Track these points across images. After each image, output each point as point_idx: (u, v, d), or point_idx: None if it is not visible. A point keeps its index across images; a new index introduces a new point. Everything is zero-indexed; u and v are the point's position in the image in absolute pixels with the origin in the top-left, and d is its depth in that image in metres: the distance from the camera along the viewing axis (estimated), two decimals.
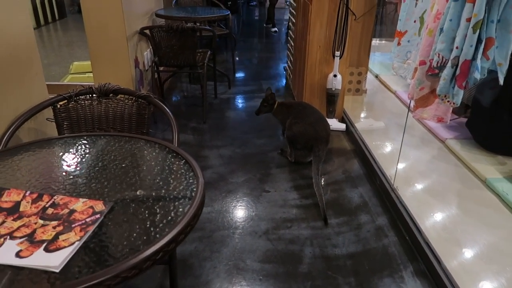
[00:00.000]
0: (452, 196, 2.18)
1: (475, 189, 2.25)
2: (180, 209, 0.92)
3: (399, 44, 2.03)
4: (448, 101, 1.55)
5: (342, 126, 3.08)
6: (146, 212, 0.91)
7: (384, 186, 2.30)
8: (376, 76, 4.04)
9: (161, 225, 0.87)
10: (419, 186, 2.29)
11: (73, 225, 0.85)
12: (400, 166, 2.45)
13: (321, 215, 2.11)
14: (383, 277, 1.75)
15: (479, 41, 1.42)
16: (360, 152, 2.75)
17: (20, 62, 1.54)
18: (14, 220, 0.87)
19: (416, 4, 2.03)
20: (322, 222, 2.09)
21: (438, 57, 1.52)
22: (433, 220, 1.99)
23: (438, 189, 2.25)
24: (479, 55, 1.42)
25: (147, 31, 3.01)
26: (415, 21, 1.97)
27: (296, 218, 2.12)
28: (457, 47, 1.45)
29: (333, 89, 2.96)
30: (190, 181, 1.03)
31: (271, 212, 2.16)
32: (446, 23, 1.48)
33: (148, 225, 0.87)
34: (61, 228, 0.85)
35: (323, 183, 2.44)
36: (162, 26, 2.92)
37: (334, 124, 3.07)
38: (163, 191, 0.99)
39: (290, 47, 4.07)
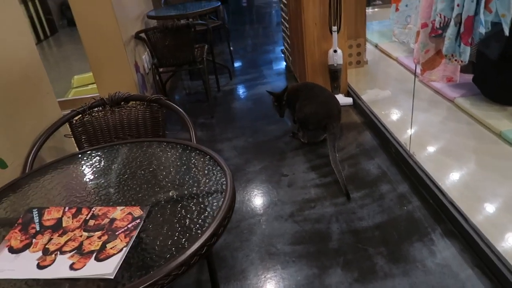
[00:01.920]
0: (469, 154, 2.20)
1: (491, 144, 2.26)
2: (215, 204, 0.95)
3: (397, 10, 2.03)
4: (455, 60, 1.56)
5: (349, 101, 3.09)
6: (183, 211, 0.95)
7: (401, 154, 2.31)
8: (376, 46, 4.02)
9: (200, 221, 0.90)
10: (435, 149, 2.30)
11: (117, 233, 0.89)
12: (413, 131, 2.46)
13: (343, 191, 2.14)
14: (413, 242, 1.78)
15: None
16: (371, 123, 2.76)
17: (31, 83, 1.57)
18: (60, 236, 0.91)
19: None
20: (344, 197, 2.12)
21: (440, 17, 1.52)
22: (454, 180, 2.01)
23: (454, 149, 2.26)
24: (481, 9, 1.42)
25: (143, 35, 3.01)
26: None
27: (318, 197, 2.15)
28: (458, 5, 1.44)
29: (335, 64, 2.96)
30: (218, 175, 1.06)
31: (292, 195, 2.20)
32: None
33: (187, 223, 0.90)
34: (106, 237, 0.88)
35: (339, 159, 2.46)
36: (157, 27, 2.93)
37: (341, 99, 3.07)
38: (194, 188, 1.02)
39: (285, 29, 4.05)
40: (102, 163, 1.21)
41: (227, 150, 2.74)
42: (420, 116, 2.65)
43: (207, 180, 1.05)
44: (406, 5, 1.95)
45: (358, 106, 3.01)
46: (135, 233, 0.88)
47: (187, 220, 0.91)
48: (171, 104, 1.57)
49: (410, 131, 2.36)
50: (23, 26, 1.58)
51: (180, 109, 1.54)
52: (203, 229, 0.88)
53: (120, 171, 1.15)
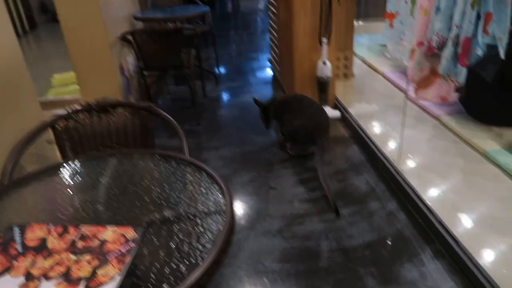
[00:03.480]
0: (456, 173, 2.21)
1: (477, 163, 2.28)
2: (215, 227, 0.89)
3: (391, 26, 2.02)
4: (451, 80, 1.55)
5: (337, 114, 3.07)
6: (180, 234, 0.88)
7: (389, 170, 2.30)
8: (363, 60, 4.04)
9: (199, 246, 0.84)
10: (422, 167, 2.30)
11: (108, 258, 0.81)
12: (399, 148, 2.45)
13: (331, 207, 2.10)
14: (403, 262, 1.75)
15: (478, 17, 1.41)
16: (359, 138, 2.75)
17: (12, 84, 1.47)
18: (45, 258, 0.83)
19: None
20: (333, 214, 2.08)
21: (438, 36, 1.52)
22: (441, 199, 2.00)
23: (441, 167, 2.27)
24: (480, 31, 1.42)
25: (129, 36, 2.92)
26: (406, 2, 1.96)
27: (306, 213, 2.11)
28: (456, 26, 1.44)
29: (324, 77, 2.95)
30: (217, 194, 1.00)
31: (281, 210, 2.14)
32: (443, 1, 1.47)
33: (186, 249, 0.84)
34: (96, 262, 0.81)
35: (327, 174, 2.43)
36: (144, 29, 2.84)
37: (328, 112, 3.04)
38: (191, 208, 0.96)
39: (273, 38, 4.02)
40: (90, 176, 1.13)
41: (213, 160, 2.67)
42: (406, 132, 2.65)
43: (204, 199, 0.98)
44: (401, 22, 1.94)
45: (345, 119, 3.00)
46: (128, 259, 0.81)
47: (185, 245, 0.85)
48: (162, 113, 1.50)
49: (399, 148, 2.35)
50: (4, 21, 1.48)
51: (171, 119, 1.47)
52: (204, 255, 0.81)
53: (109, 186, 1.07)
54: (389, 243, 1.87)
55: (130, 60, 3.17)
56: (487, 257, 1.62)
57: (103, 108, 1.53)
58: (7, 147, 1.36)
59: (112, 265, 0.79)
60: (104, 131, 1.52)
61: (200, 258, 0.81)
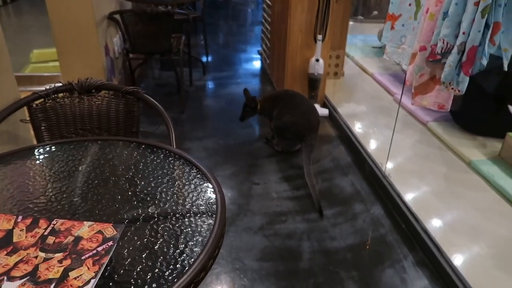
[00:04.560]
0: (441, 181, 2.19)
1: (461, 172, 2.26)
2: (204, 229, 0.81)
3: (392, 28, 1.96)
4: (452, 88, 1.51)
5: (325, 112, 3.02)
6: (165, 234, 0.79)
7: (375, 173, 2.26)
8: (353, 60, 4.00)
9: (187, 249, 0.75)
10: (407, 172, 2.27)
11: (83, 257, 0.72)
12: (387, 151, 2.42)
13: (315, 207, 2.05)
14: (384, 268, 1.72)
15: (486, 26, 1.37)
16: (346, 138, 2.70)
17: None
18: (9, 254, 0.72)
19: None
20: (317, 213, 2.03)
21: (443, 43, 1.47)
22: (426, 206, 1.98)
23: (426, 174, 2.24)
24: (487, 41, 1.37)
25: (117, 16, 2.77)
26: (410, 4, 1.90)
27: (290, 211, 2.05)
28: (463, 33, 1.39)
29: (316, 74, 2.88)
30: (207, 192, 0.91)
31: (264, 206, 2.07)
32: (452, 7, 1.42)
33: (171, 251, 0.75)
34: (68, 262, 0.71)
35: (313, 172, 2.37)
36: (134, 10, 2.70)
37: (318, 109, 2.99)
38: (179, 207, 0.87)
39: (265, 30, 3.93)
40: (68, 163, 1.02)
41: (196, 151, 2.57)
42: (394, 136, 2.62)
43: (194, 198, 0.90)
44: (403, 25, 1.89)
45: (334, 118, 2.95)
46: (106, 260, 0.72)
47: (171, 247, 0.76)
48: (150, 99, 1.40)
49: (386, 152, 2.31)
50: None
51: (160, 106, 1.37)
52: (191, 260, 0.73)
53: (89, 175, 0.97)
54: (372, 247, 1.83)
55: (116, 41, 3.02)
56: (467, 266, 1.60)
57: (86, 89, 1.41)
58: None
59: (87, 266, 0.70)
60: (85, 113, 1.41)
61: (186, 263, 0.72)
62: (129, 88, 1.40)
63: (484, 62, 1.41)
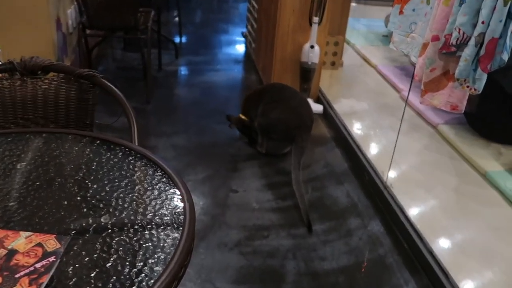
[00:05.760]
0: (452, 195, 2.24)
1: (476, 185, 2.32)
2: (168, 243, 0.80)
3: (401, 12, 1.99)
4: (467, 87, 1.54)
5: (320, 108, 3.05)
6: (120, 249, 0.78)
7: (374, 183, 2.29)
8: (354, 48, 4.05)
9: (146, 268, 0.75)
10: (413, 184, 2.31)
11: (17, 275, 0.71)
12: (389, 158, 2.45)
13: (303, 220, 2.07)
14: None
15: (509, 15, 1.40)
16: (343, 140, 2.73)
17: None
18: None
19: None
20: (305, 228, 2.05)
21: (458, 32, 1.49)
22: (432, 223, 2.01)
23: (435, 187, 2.29)
24: (509, 32, 1.40)
25: None
26: None
27: (273, 224, 2.06)
28: (483, 22, 1.42)
29: (309, 62, 2.91)
30: (174, 199, 0.91)
31: (242, 218, 2.09)
32: None
33: (126, 270, 0.74)
34: None
35: (303, 180, 2.39)
36: None
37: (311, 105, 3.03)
38: (139, 216, 0.86)
39: (251, 9, 3.94)
40: (3, 159, 1.00)
41: (163, 149, 2.56)
42: (398, 140, 2.65)
43: (157, 206, 0.89)
44: (413, 10, 1.91)
45: (329, 116, 2.98)
46: (45, 279, 0.70)
47: (127, 265, 0.75)
48: (109, 85, 1.39)
49: (389, 158, 2.35)
50: None
51: (121, 95, 1.36)
52: (150, 282, 0.72)
53: (29, 175, 0.95)
54: (368, 270, 1.85)
55: (70, 13, 2.98)
56: None
57: (31, 70, 1.39)
58: None
59: (21, 286, 0.69)
60: (27, 99, 1.38)
61: (145, 285, 0.71)
62: (83, 71, 1.39)
63: (505, 57, 1.44)
